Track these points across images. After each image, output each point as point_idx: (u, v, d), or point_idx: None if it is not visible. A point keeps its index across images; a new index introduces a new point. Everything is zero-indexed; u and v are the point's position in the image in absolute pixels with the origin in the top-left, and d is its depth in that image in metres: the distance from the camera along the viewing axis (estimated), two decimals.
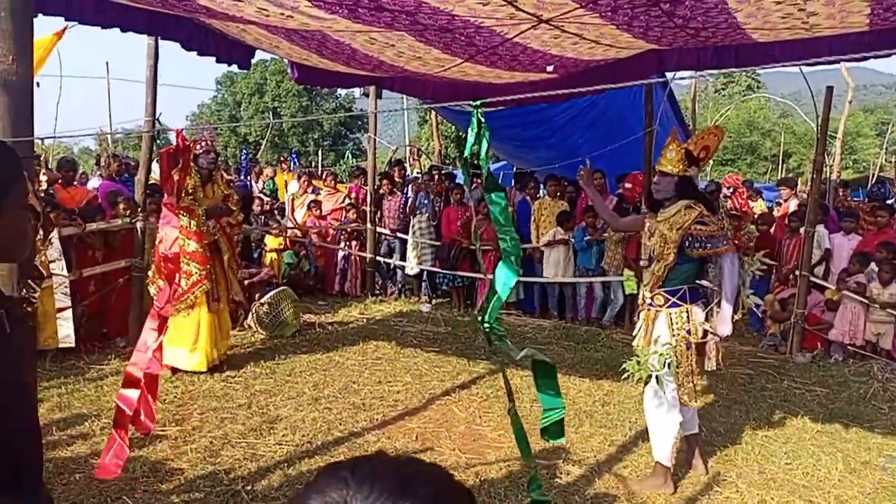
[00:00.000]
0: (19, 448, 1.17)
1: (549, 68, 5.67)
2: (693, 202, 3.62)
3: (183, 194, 5.16)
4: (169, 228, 5.24)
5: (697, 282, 3.72)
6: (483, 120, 1.74)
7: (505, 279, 1.82)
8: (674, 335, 3.57)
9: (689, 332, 3.57)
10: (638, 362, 3.63)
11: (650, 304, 3.73)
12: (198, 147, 5.33)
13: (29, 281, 1.56)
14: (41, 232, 5.16)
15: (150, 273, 5.49)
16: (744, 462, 4.05)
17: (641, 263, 5.36)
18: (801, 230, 6.73)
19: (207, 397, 4.85)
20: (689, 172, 3.69)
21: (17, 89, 1.47)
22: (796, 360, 6.37)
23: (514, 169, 12.71)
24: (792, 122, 34.15)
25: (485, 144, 1.79)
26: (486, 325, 1.83)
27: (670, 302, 3.62)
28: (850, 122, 35.58)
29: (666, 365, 3.52)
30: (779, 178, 19.96)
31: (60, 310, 5.37)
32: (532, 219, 8.29)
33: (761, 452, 4.17)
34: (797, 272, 6.60)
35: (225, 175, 6.10)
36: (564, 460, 3.99)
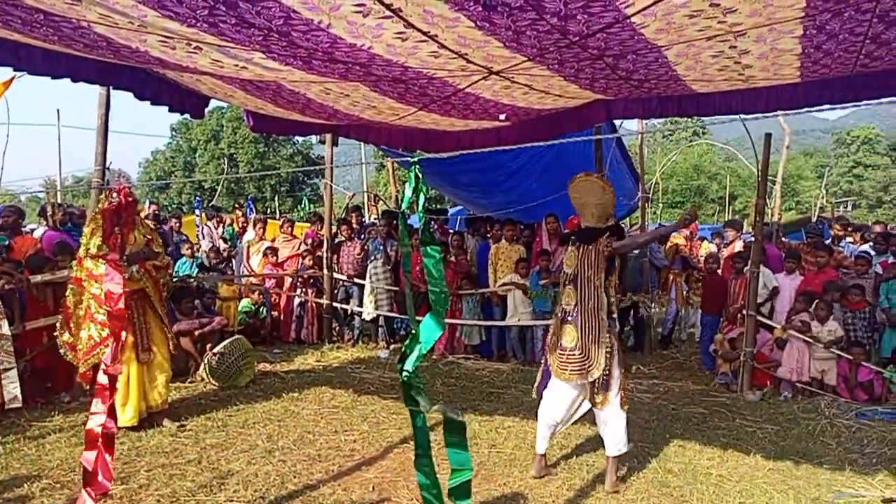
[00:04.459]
0: None
1: (502, 116, 5.82)
2: None
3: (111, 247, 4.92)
4: (113, 285, 5.01)
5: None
6: (420, 176, 1.79)
7: (430, 331, 1.82)
8: None
9: None
10: None
11: None
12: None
13: None
14: None
15: (57, 325, 5.09)
16: (699, 502, 4.09)
17: None
18: (746, 271, 6.95)
19: (155, 453, 4.68)
20: None
21: None
22: (747, 398, 6.50)
23: (470, 213, 12.87)
24: (737, 166, 35.64)
25: (422, 198, 1.83)
26: (405, 373, 1.83)
27: None
28: (791, 165, 37.29)
29: None
30: (725, 219, 20.67)
31: (3, 370, 5.11)
32: (490, 262, 8.37)
33: (716, 492, 4.21)
34: (744, 312, 6.79)
35: (145, 220, 5.95)
36: None
